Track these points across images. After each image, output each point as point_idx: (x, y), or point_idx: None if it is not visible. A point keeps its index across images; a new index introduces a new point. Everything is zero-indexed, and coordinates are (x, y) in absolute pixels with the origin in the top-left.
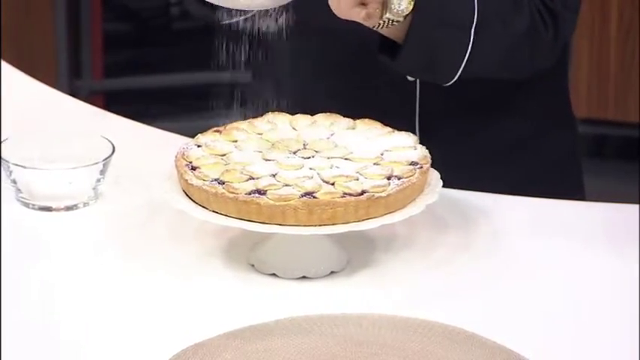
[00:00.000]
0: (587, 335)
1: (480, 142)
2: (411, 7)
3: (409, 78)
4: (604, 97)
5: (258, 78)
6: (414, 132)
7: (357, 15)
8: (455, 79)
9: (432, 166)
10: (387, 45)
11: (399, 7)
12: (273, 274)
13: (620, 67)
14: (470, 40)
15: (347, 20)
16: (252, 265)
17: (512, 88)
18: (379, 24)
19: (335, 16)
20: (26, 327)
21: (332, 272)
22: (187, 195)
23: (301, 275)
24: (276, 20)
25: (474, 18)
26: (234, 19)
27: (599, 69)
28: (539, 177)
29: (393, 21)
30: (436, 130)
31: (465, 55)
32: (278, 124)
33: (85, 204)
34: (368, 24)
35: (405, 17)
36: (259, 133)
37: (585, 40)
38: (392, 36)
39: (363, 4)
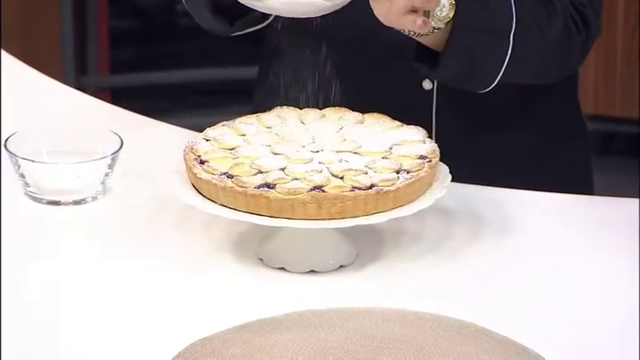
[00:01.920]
0: (596, 328)
1: (492, 153)
2: (452, 14)
3: (425, 87)
4: (611, 94)
5: (274, 78)
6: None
7: (411, 23)
8: (492, 86)
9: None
10: (423, 53)
11: (442, 13)
12: (282, 268)
13: (626, 64)
14: (509, 47)
15: (371, 27)
16: (261, 259)
17: (525, 97)
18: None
19: (361, 23)
20: (33, 321)
21: (341, 266)
22: (196, 189)
23: (310, 269)
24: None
25: (512, 24)
26: (249, 29)
27: (606, 66)
28: (550, 185)
29: (434, 28)
30: (449, 142)
31: (504, 62)
32: (287, 118)
33: (94, 198)
34: (420, 32)
35: (446, 24)
36: (268, 127)
37: None
38: (430, 44)
39: (414, 12)
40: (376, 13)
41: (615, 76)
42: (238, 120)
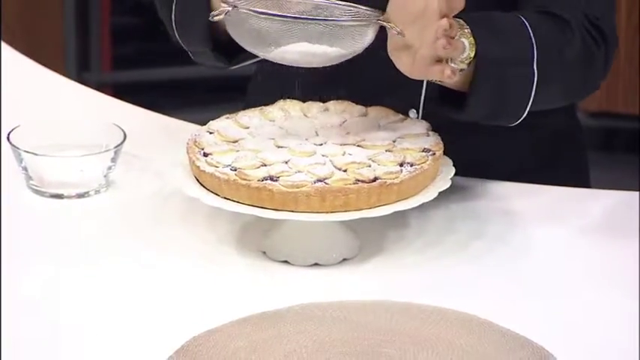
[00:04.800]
0: (600, 321)
1: (483, 152)
2: (473, 53)
3: (411, 116)
4: (613, 91)
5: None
6: None
7: (439, 74)
8: (522, 118)
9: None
10: (446, 96)
11: (463, 54)
12: (285, 261)
13: (629, 61)
14: (534, 75)
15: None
16: (264, 252)
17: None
18: None
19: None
20: (36, 313)
21: (344, 259)
22: (199, 182)
23: (313, 262)
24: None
25: (534, 52)
26: (247, 63)
27: None
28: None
29: (459, 70)
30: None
31: (531, 91)
32: (290, 112)
33: (97, 191)
34: (448, 81)
35: (469, 64)
36: (271, 120)
37: None
38: (453, 86)
39: (439, 62)
40: (399, 66)
41: (618, 73)
42: (242, 113)
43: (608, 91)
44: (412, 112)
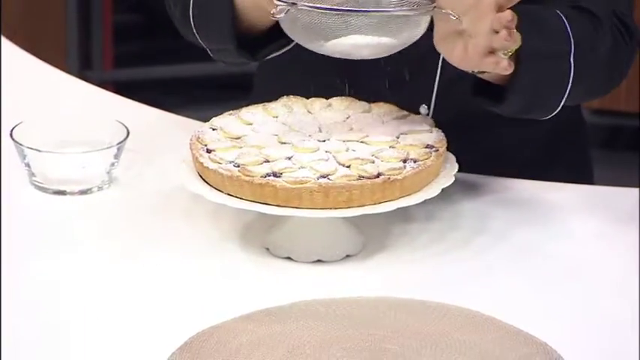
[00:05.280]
0: (604, 318)
1: (489, 148)
2: (515, 46)
3: (422, 113)
4: (616, 89)
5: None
6: None
7: (492, 65)
8: (557, 111)
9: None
10: (480, 87)
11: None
12: (289, 258)
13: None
14: (571, 70)
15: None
16: (268, 249)
17: None
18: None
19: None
20: (39, 310)
21: (347, 256)
22: (202, 178)
23: (316, 259)
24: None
25: (571, 46)
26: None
27: None
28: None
29: None
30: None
31: (567, 86)
32: (293, 108)
33: (99, 188)
34: (504, 73)
35: (510, 57)
36: (275, 117)
37: None
38: (491, 78)
39: (491, 53)
40: (448, 56)
41: None
42: (245, 109)
43: None
44: (423, 108)
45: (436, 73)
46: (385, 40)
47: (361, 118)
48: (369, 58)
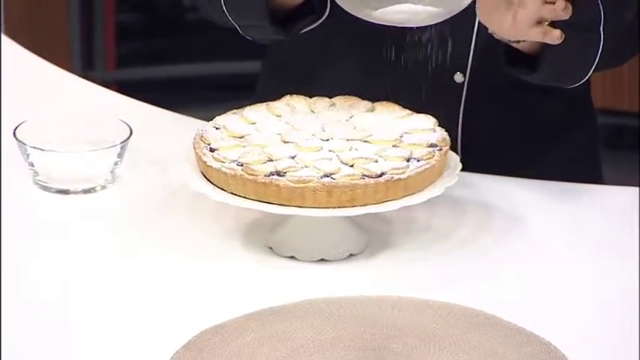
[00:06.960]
0: (607, 317)
1: (516, 140)
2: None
3: (457, 80)
4: (618, 88)
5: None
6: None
7: (540, 35)
8: (584, 80)
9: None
10: (512, 56)
11: None
12: (292, 257)
13: (634, 58)
14: (601, 40)
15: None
16: (271, 248)
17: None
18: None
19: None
20: (42, 308)
21: (350, 255)
22: (206, 177)
23: (320, 258)
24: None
25: (601, 16)
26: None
27: None
28: (560, 171)
29: None
30: (474, 133)
31: (596, 56)
32: (296, 107)
33: (103, 187)
34: (554, 43)
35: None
36: (278, 116)
37: None
38: (524, 48)
39: (539, 23)
40: (493, 26)
41: (623, 70)
42: (248, 108)
43: (613, 88)
44: (458, 75)
45: (471, 40)
46: (431, 9)
47: (364, 118)
48: (416, 25)
